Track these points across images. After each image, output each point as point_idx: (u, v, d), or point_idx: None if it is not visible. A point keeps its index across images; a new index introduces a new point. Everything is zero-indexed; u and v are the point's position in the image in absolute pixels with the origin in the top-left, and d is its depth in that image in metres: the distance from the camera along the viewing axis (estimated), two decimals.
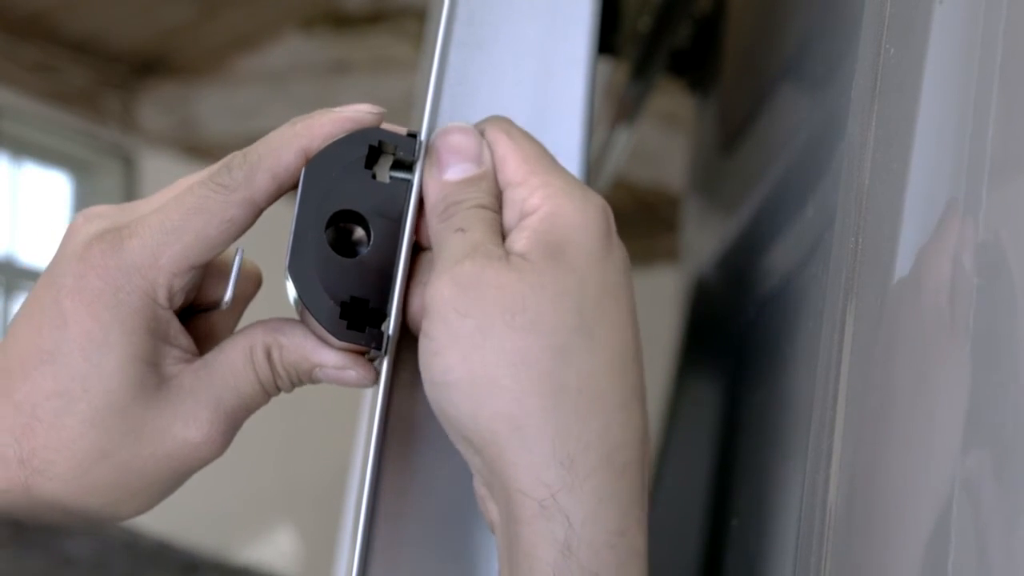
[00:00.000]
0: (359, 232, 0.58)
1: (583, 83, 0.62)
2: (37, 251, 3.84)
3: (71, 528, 0.31)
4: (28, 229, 3.83)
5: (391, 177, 0.58)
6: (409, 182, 0.58)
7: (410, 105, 1.09)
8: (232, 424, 0.58)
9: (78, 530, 0.31)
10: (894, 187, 0.51)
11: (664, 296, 1.27)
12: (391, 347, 0.58)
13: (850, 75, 0.57)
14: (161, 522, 0.48)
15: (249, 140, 0.58)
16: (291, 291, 0.57)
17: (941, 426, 0.46)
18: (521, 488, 0.53)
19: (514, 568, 0.53)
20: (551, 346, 0.53)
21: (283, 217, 0.58)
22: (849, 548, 0.51)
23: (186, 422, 0.57)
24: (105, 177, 3.98)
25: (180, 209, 0.56)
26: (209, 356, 0.58)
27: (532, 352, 0.53)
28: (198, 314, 0.60)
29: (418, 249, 0.59)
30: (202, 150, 3.97)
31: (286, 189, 0.57)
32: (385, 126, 0.58)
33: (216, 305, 0.60)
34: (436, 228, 0.57)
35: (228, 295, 0.59)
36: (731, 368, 0.80)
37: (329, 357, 0.58)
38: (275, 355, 0.58)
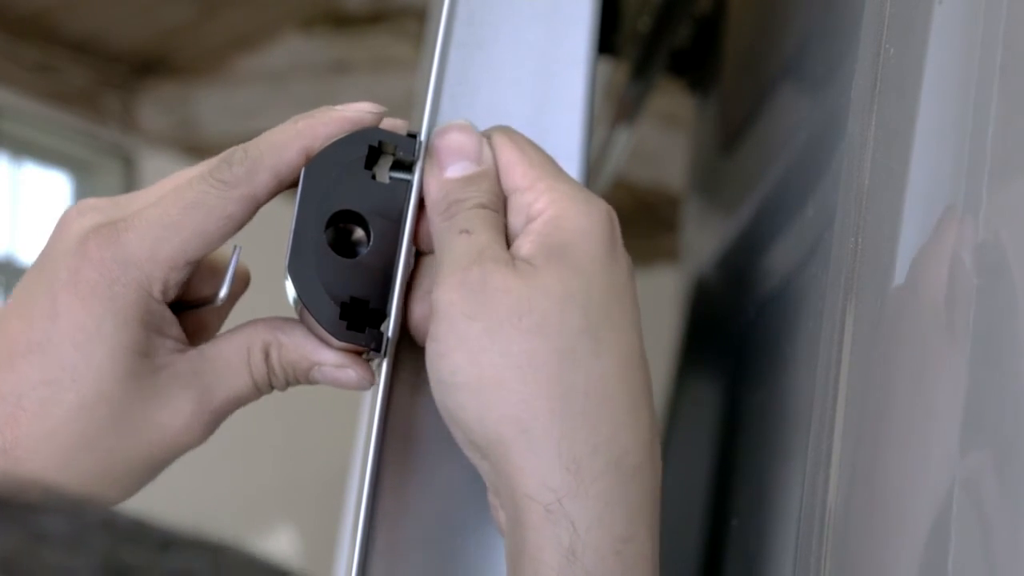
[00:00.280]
0: (359, 232, 0.58)
1: (583, 83, 0.62)
2: (37, 251, 3.82)
3: (48, 505, 0.30)
4: (28, 229, 3.83)
5: (391, 177, 0.58)
6: (409, 182, 0.58)
7: (410, 105, 1.09)
8: (216, 417, 0.58)
9: (55, 507, 0.30)
10: (894, 187, 0.51)
11: (664, 296, 1.27)
12: (391, 348, 0.58)
13: (850, 75, 0.57)
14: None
15: (249, 140, 0.58)
16: (291, 291, 0.57)
17: (941, 426, 0.45)
18: (527, 493, 0.53)
19: (519, 572, 0.53)
20: (558, 349, 0.53)
21: (283, 217, 0.58)
22: (849, 548, 0.51)
23: (172, 412, 0.57)
24: (105, 177, 3.98)
25: (179, 204, 0.56)
26: (204, 347, 0.58)
27: (539, 355, 0.53)
28: (187, 309, 0.60)
29: (417, 254, 0.58)
30: (202, 150, 3.95)
31: (286, 187, 0.57)
32: (387, 121, 0.58)
33: (206, 301, 0.60)
34: (439, 226, 0.57)
35: (224, 291, 0.59)
36: (731, 368, 0.80)
37: (328, 356, 0.58)
38: (274, 353, 0.58)
